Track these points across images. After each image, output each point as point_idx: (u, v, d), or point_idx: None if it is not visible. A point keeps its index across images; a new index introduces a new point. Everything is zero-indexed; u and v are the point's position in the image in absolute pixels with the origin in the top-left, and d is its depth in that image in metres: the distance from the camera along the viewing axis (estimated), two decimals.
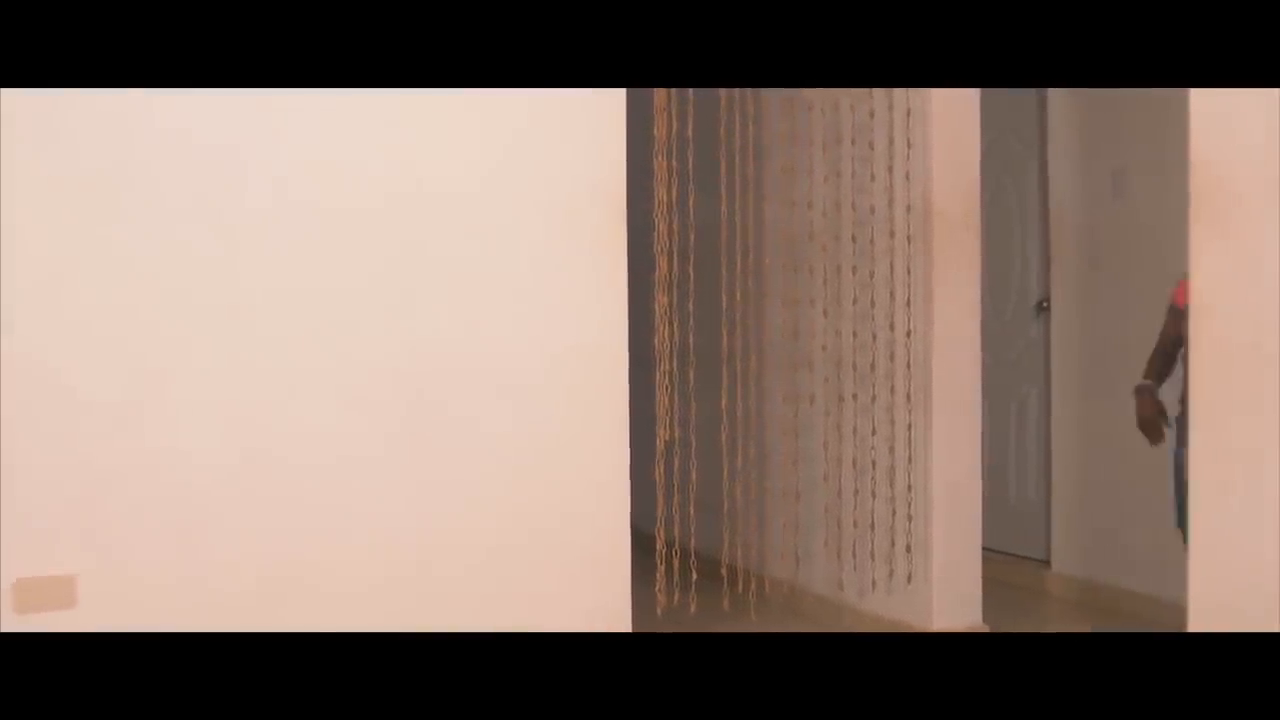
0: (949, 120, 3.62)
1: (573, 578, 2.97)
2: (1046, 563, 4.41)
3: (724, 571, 3.74)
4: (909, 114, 3.62)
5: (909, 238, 3.64)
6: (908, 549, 3.66)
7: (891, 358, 3.69)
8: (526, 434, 2.92)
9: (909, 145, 3.62)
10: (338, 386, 2.74)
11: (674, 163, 3.45)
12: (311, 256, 2.72)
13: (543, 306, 2.93)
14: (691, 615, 3.52)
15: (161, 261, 2.58)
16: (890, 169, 3.69)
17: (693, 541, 3.64)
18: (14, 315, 2.46)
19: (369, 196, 2.76)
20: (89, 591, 2.51)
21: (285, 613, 2.65)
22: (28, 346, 2.47)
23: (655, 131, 3.43)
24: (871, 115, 3.74)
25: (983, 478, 3.74)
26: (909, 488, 3.67)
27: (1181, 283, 3.27)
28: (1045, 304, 4.42)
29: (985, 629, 3.67)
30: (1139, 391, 3.36)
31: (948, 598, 3.63)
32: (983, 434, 3.73)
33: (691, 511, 3.62)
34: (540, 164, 2.92)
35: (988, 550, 3.83)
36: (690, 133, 3.47)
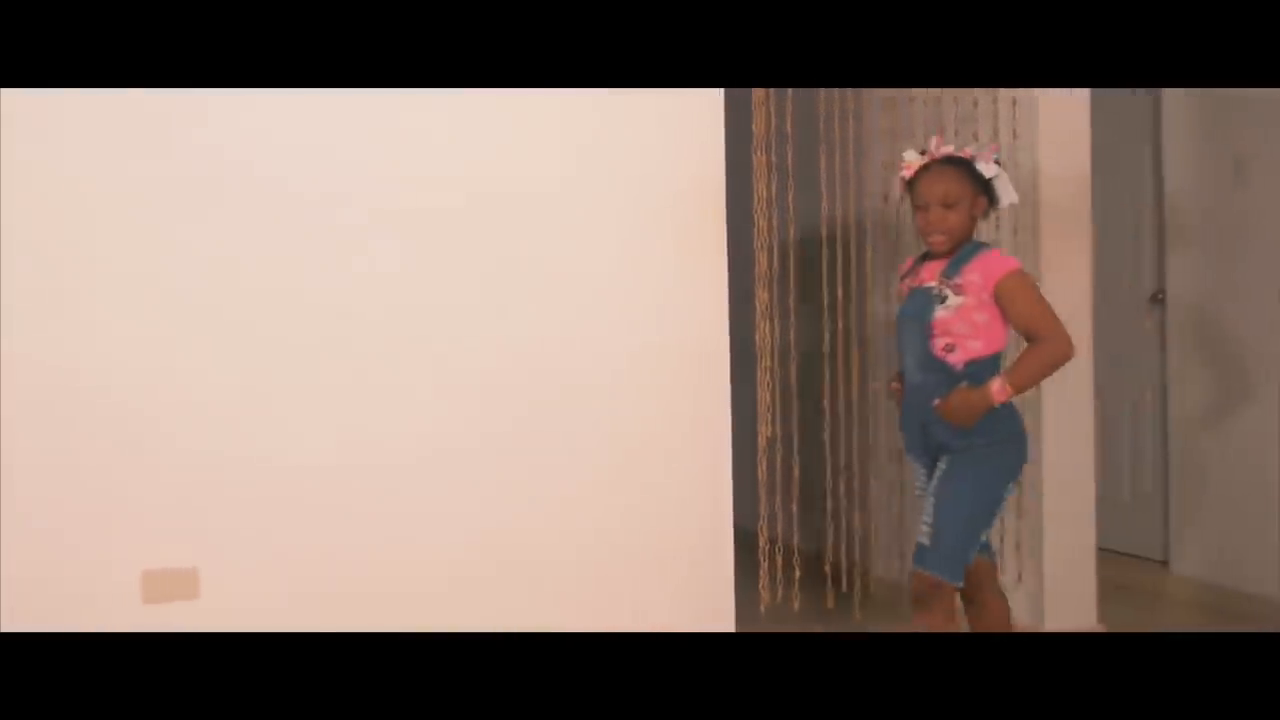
0: (1057, 108, 3.52)
1: (675, 576, 2.97)
2: (1165, 564, 4.27)
3: (827, 569, 3.70)
4: (1015, 104, 3.54)
5: (1015, 229, 3.56)
6: (1017, 547, 3.58)
7: None
8: (628, 433, 2.93)
9: (1015, 136, 3.54)
10: (438, 390, 2.79)
11: (773, 158, 3.44)
12: (411, 263, 2.77)
13: (643, 305, 2.94)
14: (795, 613, 3.49)
15: (266, 270, 2.66)
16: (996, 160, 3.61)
17: (795, 538, 3.61)
18: (130, 325, 2.56)
19: (468, 200, 2.80)
20: (209, 584, 2.60)
21: (390, 610, 2.71)
22: (149, 355, 2.57)
23: (754, 127, 3.41)
24: (975, 105, 3.66)
25: (1095, 475, 3.64)
26: (1018, 484, 3.58)
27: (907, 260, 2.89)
28: (1161, 295, 4.28)
29: (1101, 630, 3.57)
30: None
31: (1060, 597, 3.54)
32: (1095, 430, 3.63)
33: (794, 508, 3.59)
34: (639, 162, 2.93)
35: (1102, 550, 3.72)
36: (789, 128, 3.45)
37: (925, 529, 2.63)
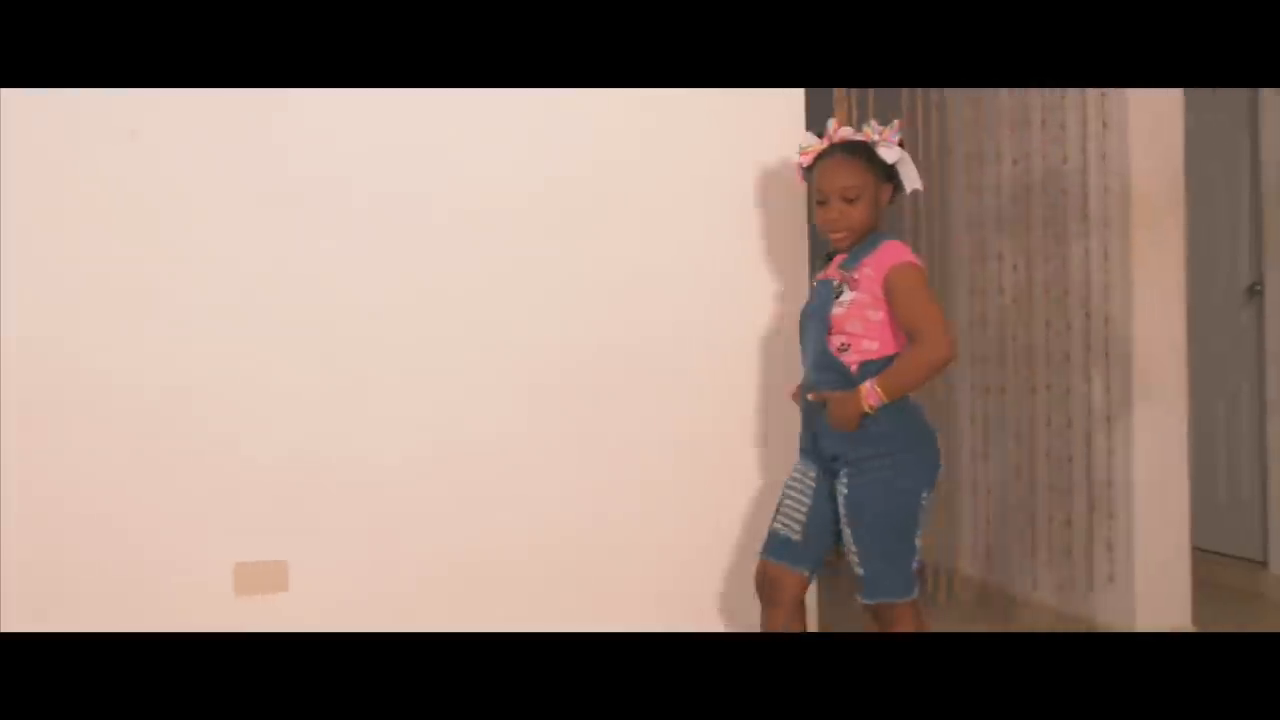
0: (1149, 98, 3.43)
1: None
2: (1264, 564, 4.14)
3: None
4: (1104, 94, 3.46)
5: (1106, 221, 3.48)
6: (1108, 546, 3.50)
7: (1088, 348, 3.54)
8: (700, 427, 2.93)
9: (1105, 126, 3.46)
10: (535, 385, 2.82)
11: None
12: (499, 259, 2.80)
13: (728, 300, 2.93)
14: None
15: (350, 270, 2.71)
16: (1084, 150, 3.53)
17: None
18: (216, 327, 2.63)
19: (560, 199, 2.83)
20: (299, 577, 2.66)
21: (475, 604, 2.75)
22: (239, 357, 2.65)
23: (834, 121, 3.37)
24: (1063, 96, 3.59)
25: (1190, 473, 3.54)
26: (1109, 483, 3.50)
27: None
28: (1258, 288, 4.15)
29: (1193, 630, 3.48)
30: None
31: (1152, 597, 3.45)
32: (1189, 427, 3.53)
33: None
34: (724, 159, 2.92)
35: (1199, 550, 3.62)
36: (871, 120, 3.41)
37: (853, 559, 2.41)
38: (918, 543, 2.44)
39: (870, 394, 2.34)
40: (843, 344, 2.41)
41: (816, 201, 2.48)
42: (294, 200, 2.67)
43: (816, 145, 2.50)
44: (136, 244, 2.59)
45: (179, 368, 2.61)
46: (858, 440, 2.38)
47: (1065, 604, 3.68)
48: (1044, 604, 3.76)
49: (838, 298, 2.41)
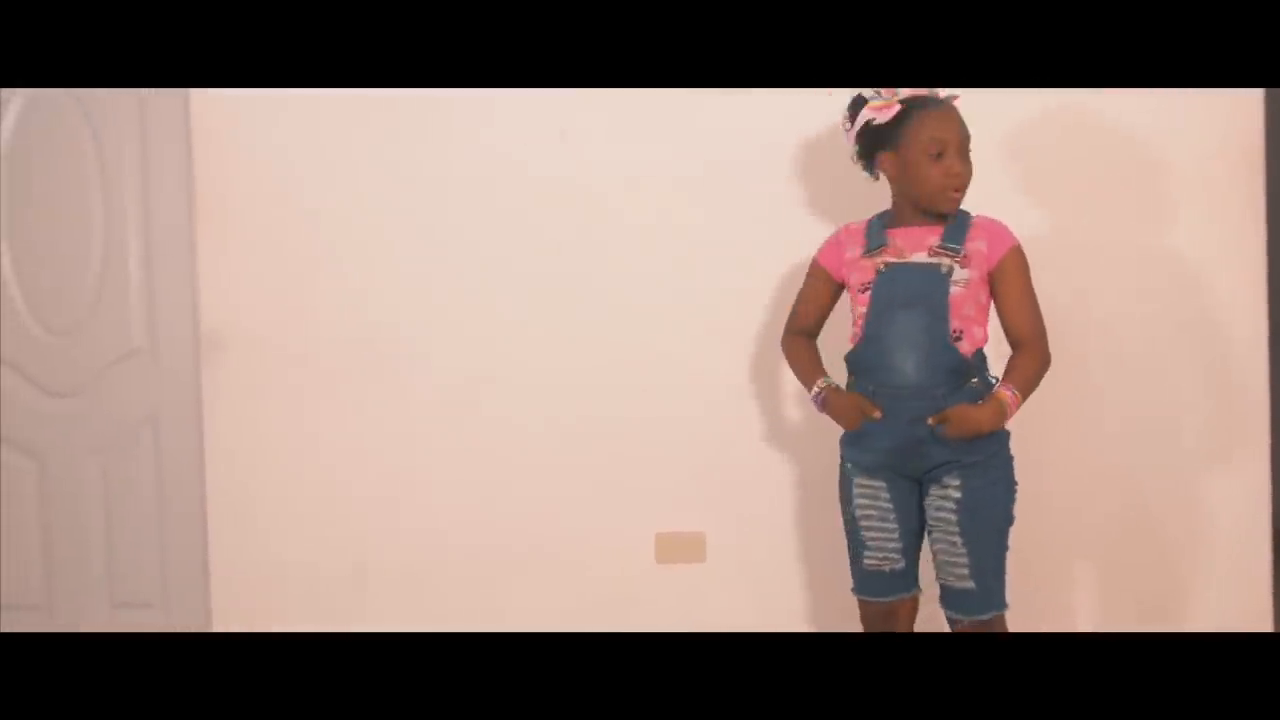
0: None
1: (1207, 574, 2.73)
2: None
3: None
4: None
5: None
6: None
7: None
8: (1152, 417, 2.71)
9: None
10: None
11: None
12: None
13: (1167, 277, 2.71)
14: None
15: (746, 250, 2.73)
16: None
17: None
18: (644, 312, 2.76)
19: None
20: (715, 548, 2.75)
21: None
22: (667, 339, 2.75)
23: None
24: None
25: None
26: None
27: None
28: None
29: None
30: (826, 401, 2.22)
31: None
32: None
33: None
34: (1162, 114, 2.67)
35: None
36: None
37: (961, 571, 2.11)
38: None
39: (1014, 404, 2.09)
40: (957, 332, 2.10)
41: (929, 154, 2.11)
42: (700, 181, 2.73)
43: (889, 98, 2.14)
44: (564, 236, 2.76)
45: (607, 355, 2.76)
46: (974, 442, 2.10)
47: None
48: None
49: (949, 277, 2.11)
